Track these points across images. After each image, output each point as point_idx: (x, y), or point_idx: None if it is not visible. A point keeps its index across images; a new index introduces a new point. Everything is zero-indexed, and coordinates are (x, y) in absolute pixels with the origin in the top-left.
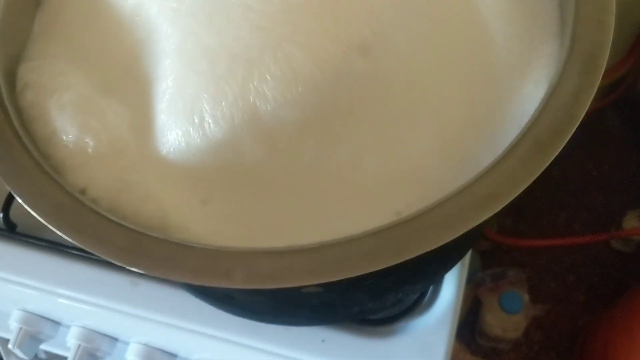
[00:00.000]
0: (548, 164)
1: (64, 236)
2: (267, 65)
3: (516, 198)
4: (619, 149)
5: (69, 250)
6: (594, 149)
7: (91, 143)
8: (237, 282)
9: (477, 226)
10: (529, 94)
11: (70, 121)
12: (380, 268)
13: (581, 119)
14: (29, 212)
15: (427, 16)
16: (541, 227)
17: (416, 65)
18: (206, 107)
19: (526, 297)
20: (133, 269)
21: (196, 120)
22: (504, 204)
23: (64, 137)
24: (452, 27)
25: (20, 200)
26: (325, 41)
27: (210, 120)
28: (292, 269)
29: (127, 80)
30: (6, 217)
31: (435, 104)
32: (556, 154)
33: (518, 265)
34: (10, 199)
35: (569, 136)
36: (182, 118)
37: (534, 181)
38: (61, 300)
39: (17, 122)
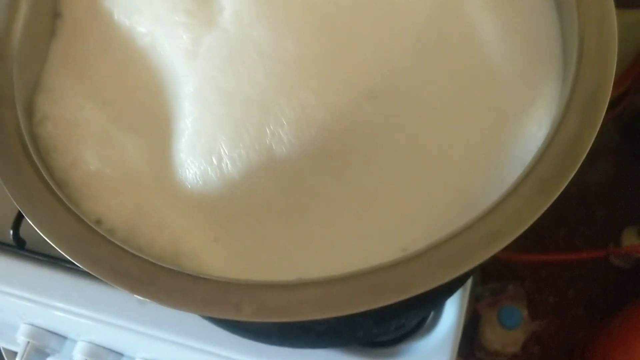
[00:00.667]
0: (551, 202)
1: (80, 266)
2: (282, 110)
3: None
4: (618, 166)
5: (76, 267)
6: (593, 164)
7: (110, 174)
8: (246, 315)
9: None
10: (533, 133)
11: (90, 153)
12: (387, 303)
13: (584, 158)
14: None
15: (435, 60)
16: (541, 241)
17: (425, 108)
18: (224, 149)
19: (525, 312)
20: (147, 300)
21: (214, 161)
22: (508, 242)
23: (84, 168)
24: (460, 71)
25: (37, 229)
26: (337, 88)
27: (228, 161)
28: (301, 303)
29: (144, 115)
30: (16, 234)
31: (443, 145)
32: (559, 192)
33: (518, 280)
34: (20, 216)
35: (572, 175)
36: (200, 158)
37: None
38: (68, 315)
39: (32, 149)
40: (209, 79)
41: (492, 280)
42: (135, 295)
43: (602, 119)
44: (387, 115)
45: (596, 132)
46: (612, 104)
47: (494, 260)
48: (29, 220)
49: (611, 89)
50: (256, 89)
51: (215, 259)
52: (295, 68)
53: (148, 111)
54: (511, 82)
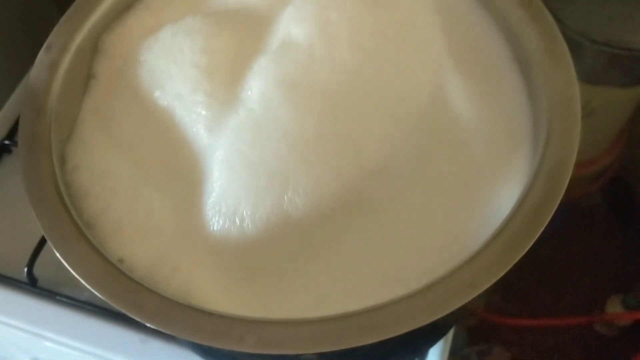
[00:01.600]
0: (518, 259)
1: (104, 299)
2: (300, 181)
3: (493, 285)
4: (604, 234)
5: (83, 306)
6: (581, 232)
7: (136, 223)
8: (248, 347)
9: (454, 311)
10: (505, 200)
11: (119, 202)
12: (373, 341)
13: (547, 222)
14: (50, 269)
15: (428, 143)
16: (528, 306)
17: (418, 182)
18: (247, 212)
19: None
20: (163, 331)
21: (237, 221)
22: (478, 293)
23: (113, 215)
24: (447, 151)
25: (67, 266)
26: (349, 165)
27: (249, 222)
28: (297, 338)
29: (169, 171)
30: (30, 271)
31: (430, 211)
32: (524, 252)
33: (504, 343)
34: (35, 255)
35: (536, 237)
36: (225, 218)
37: (522, 261)
38: (73, 352)
39: (65, 194)
40: (236, 151)
41: (479, 342)
42: (154, 327)
43: (564, 190)
44: (387, 188)
45: (558, 201)
46: (599, 175)
47: (481, 322)
48: (60, 258)
49: (573, 165)
50: (279, 162)
51: (223, 303)
52: (313, 145)
53: (172, 168)
54: (490, 161)
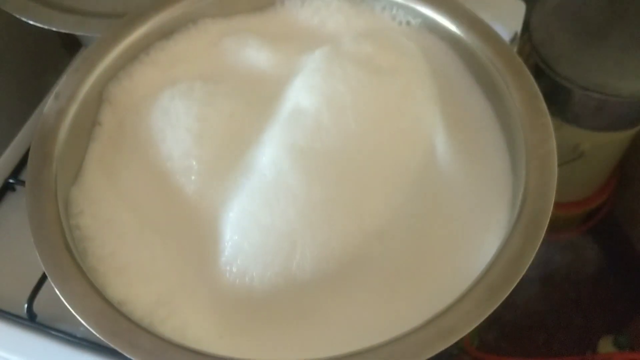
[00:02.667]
0: (497, 305)
1: (101, 337)
2: (308, 245)
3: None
4: (597, 274)
5: (80, 342)
6: (573, 272)
7: (140, 268)
8: None
9: (439, 353)
10: (485, 251)
11: (125, 248)
12: None
13: (525, 271)
14: (50, 305)
15: (422, 204)
16: (521, 345)
17: (413, 241)
18: (256, 272)
19: None
20: None
21: (247, 280)
22: (459, 338)
23: (118, 260)
24: (438, 210)
25: (68, 306)
26: (354, 230)
27: (257, 281)
28: None
29: (174, 225)
30: (30, 307)
31: (419, 263)
32: (504, 298)
33: None
34: (35, 292)
35: (515, 284)
36: (235, 277)
37: (516, 301)
38: None
39: (69, 237)
40: (248, 213)
41: None
42: None
43: (541, 241)
44: (387, 251)
45: (535, 252)
46: (590, 216)
47: None
48: (59, 295)
49: (549, 215)
50: (288, 226)
51: (215, 349)
52: (321, 211)
53: (176, 221)
54: (472, 215)
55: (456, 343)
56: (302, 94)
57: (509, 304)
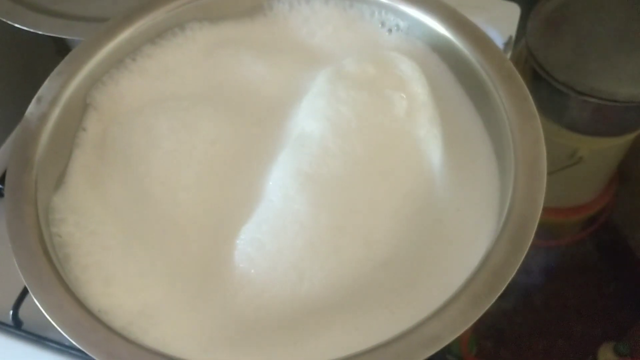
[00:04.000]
0: (482, 314)
1: (79, 347)
2: (315, 274)
3: (460, 337)
4: (597, 281)
5: (67, 350)
6: (573, 279)
7: (125, 280)
8: None
9: None
10: (472, 258)
11: (110, 258)
12: None
13: (510, 278)
14: (36, 312)
15: (420, 231)
16: (521, 352)
17: (409, 267)
18: (263, 301)
19: None
20: None
21: (252, 310)
22: (444, 345)
23: (103, 270)
24: (432, 232)
25: (46, 314)
26: (360, 258)
27: (262, 309)
28: None
29: (165, 245)
30: (15, 314)
31: (417, 278)
32: (488, 306)
33: None
34: (20, 299)
35: (500, 292)
36: (241, 305)
37: (515, 307)
38: None
39: (49, 244)
40: (256, 240)
41: None
42: None
43: (528, 248)
44: (389, 277)
45: (522, 259)
46: (590, 222)
47: None
48: (39, 306)
49: (537, 222)
50: (295, 254)
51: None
52: (327, 238)
53: (169, 241)
54: (460, 227)
55: (454, 351)
56: (307, 119)
57: (508, 310)
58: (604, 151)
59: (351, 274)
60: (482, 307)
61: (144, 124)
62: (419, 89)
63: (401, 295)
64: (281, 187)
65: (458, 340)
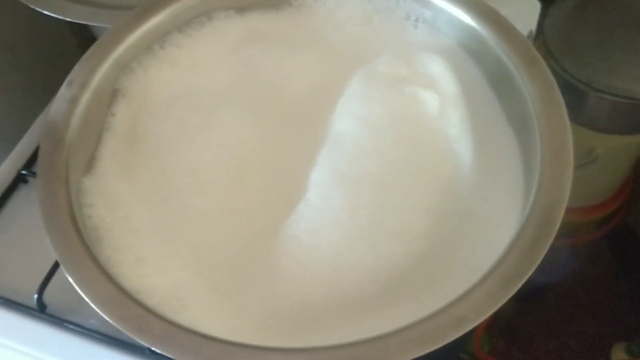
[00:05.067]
0: (510, 296)
1: (112, 322)
2: (352, 269)
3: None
4: (610, 281)
5: (90, 333)
6: (586, 279)
7: (157, 262)
8: None
9: (450, 343)
10: (500, 241)
11: (141, 241)
12: None
13: (539, 262)
14: (59, 296)
15: (452, 224)
16: (532, 351)
17: (440, 259)
18: (300, 297)
19: None
20: (167, 355)
21: (288, 305)
22: (471, 327)
23: (136, 252)
24: (451, 213)
25: (76, 287)
26: (397, 255)
27: (300, 305)
28: None
29: (196, 234)
30: (40, 298)
31: (445, 277)
32: (517, 289)
33: None
34: (45, 282)
35: (528, 275)
36: (277, 299)
37: (528, 306)
38: None
39: (81, 224)
40: (295, 238)
41: None
42: (158, 351)
43: (556, 231)
44: (423, 269)
45: (550, 242)
46: (604, 222)
47: None
48: (70, 280)
49: (564, 207)
50: (333, 250)
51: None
52: (364, 234)
53: (198, 231)
54: (490, 217)
55: (467, 349)
56: (341, 119)
57: (520, 309)
58: (620, 149)
59: (387, 269)
60: (509, 289)
61: (176, 117)
62: (451, 88)
63: (432, 287)
64: (318, 186)
65: (471, 338)
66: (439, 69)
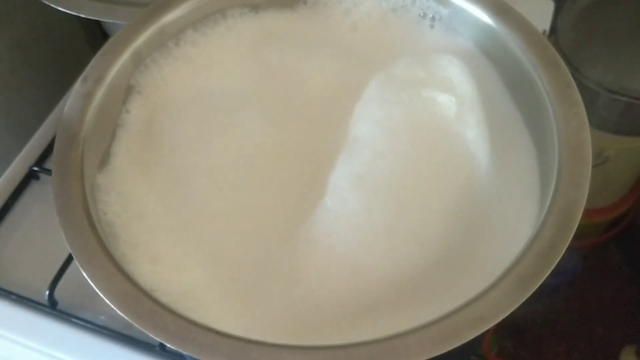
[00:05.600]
0: (527, 297)
1: (127, 318)
2: (370, 272)
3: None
4: (619, 284)
5: (100, 330)
6: (595, 281)
7: (172, 260)
8: None
9: (466, 343)
10: (517, 241)
11: (156, 240)
12: None
13: (556, 262)
14: (71, 293)
15: (468, 227)
16: (541, 354)
17: (456, 262)
18: (318, 300)
19: None
20: (182, 351)
21: (307, 306)
22: (489, 327)
23: (151, 250)
24: (468, 215)
25: (91, 283)
26: (414, 259)
27: (317, 307)
28: None
29: (208, 233)
30: (51, 294)
31: (460, 261)
32: (534, 289)
33: None
34: (57, 279)
35: (546, 275)
36: (295, 301)
37: (536, 309)
38: None
39: (96, 220)
40: (313, 241)
41: None
42: (172, 346)
43: (574, 231)
44: (441, 272)
45: (568, 242)
46: (614, 224)
47: None
48: (85, 275)
49: (583, 207)
50: (351, 253)
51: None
52: (381, 238)
53: (214, 231)
54: (507, 218)
55: (476, 351)
56: (358, 123)
57: (529, 312)
58: (630, 151)
59: (404, 272)
60: (527, 290)
61: (194, 118)
62: (468, 90)
63: (449, 289)
64: (335, 189)
65: (480, 340)
66: (456, 71)
